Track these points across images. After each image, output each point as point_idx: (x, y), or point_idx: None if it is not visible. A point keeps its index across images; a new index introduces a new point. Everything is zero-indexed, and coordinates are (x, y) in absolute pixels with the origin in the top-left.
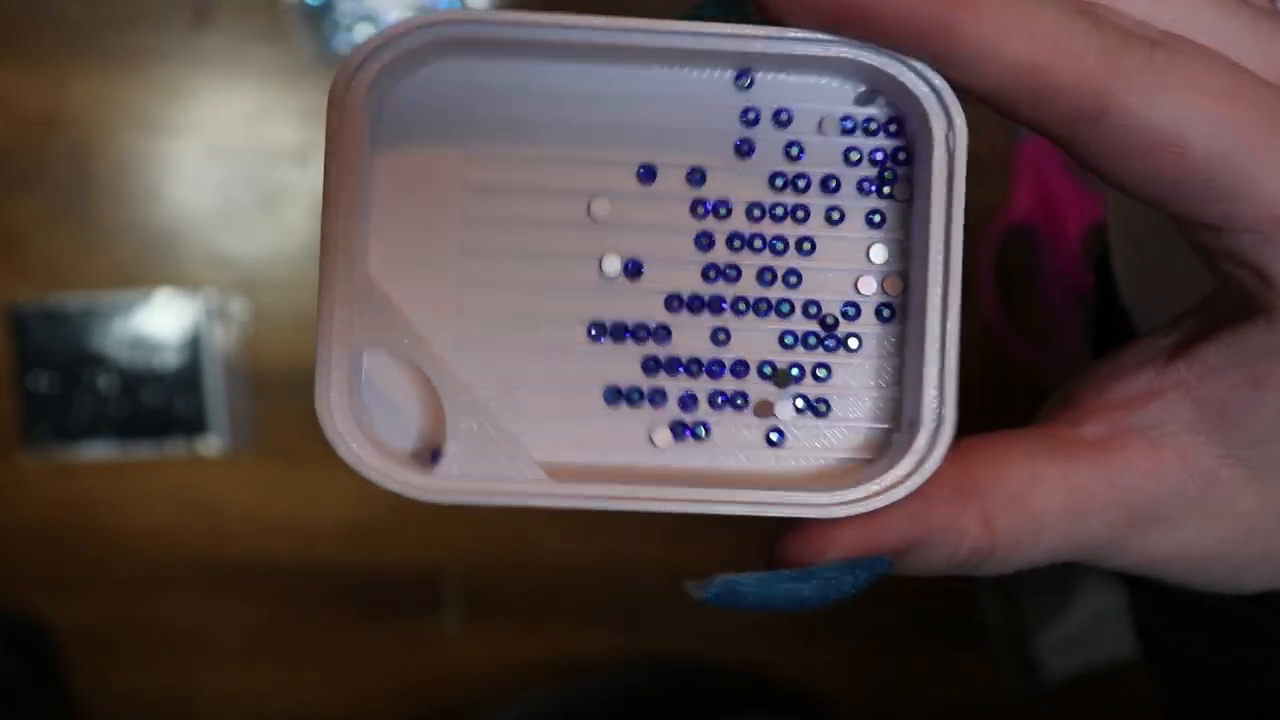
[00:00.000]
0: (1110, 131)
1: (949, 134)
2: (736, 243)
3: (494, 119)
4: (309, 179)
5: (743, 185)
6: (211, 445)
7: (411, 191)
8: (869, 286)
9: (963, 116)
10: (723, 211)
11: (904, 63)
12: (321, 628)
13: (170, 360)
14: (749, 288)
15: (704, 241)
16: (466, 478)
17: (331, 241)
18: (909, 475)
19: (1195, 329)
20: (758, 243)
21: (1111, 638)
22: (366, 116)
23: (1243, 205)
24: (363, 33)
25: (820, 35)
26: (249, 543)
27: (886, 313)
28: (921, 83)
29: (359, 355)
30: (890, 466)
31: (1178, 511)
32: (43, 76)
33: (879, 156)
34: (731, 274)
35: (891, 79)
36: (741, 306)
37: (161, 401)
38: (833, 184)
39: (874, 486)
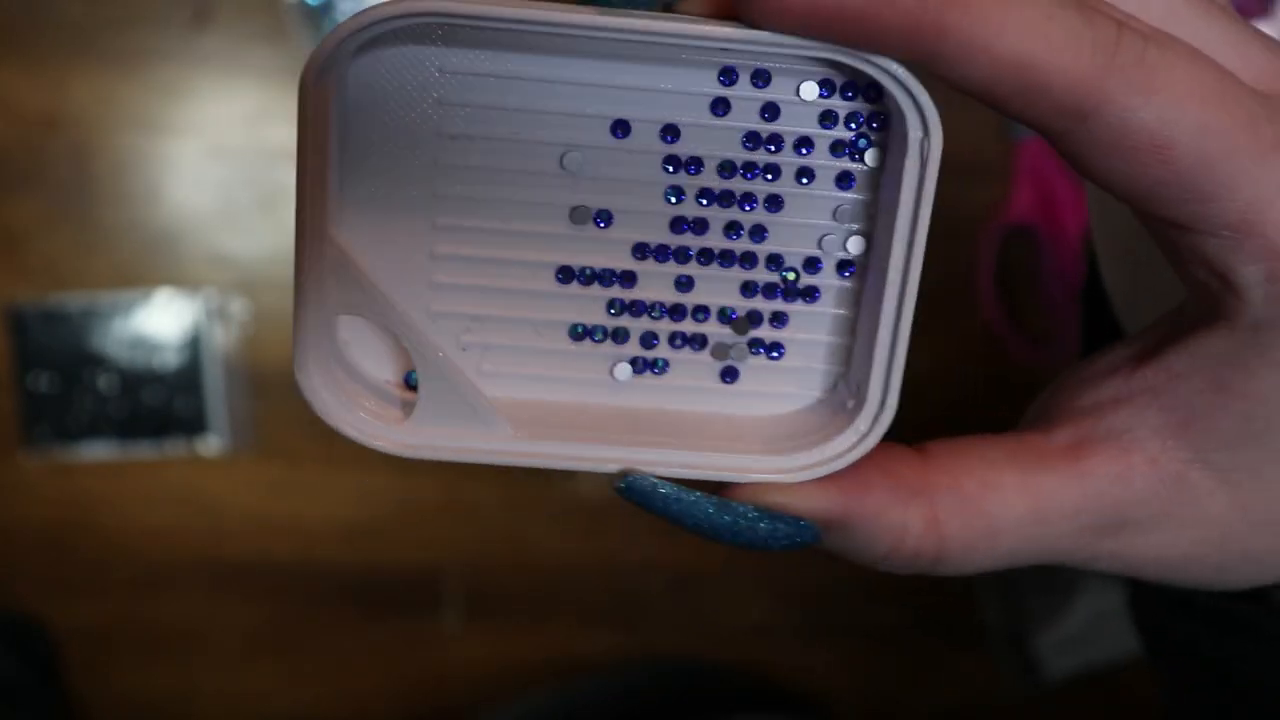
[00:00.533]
0: (1100, 128)
1: (924, 141)
2: (705, 199)
3: (469, 73)
4: None
5: (716, 143)
6: (211, 445)
7: (385, 145)
8: (833, 244)
9: (940, 129)
10: (694, 168)
11: (884, 70)
12: (321, 628)
13: (170, 360)
14: (715, 240)
15: (674, 196)
16: (435, 434)
17: (305, 208)
18: (847, 450)
19: (1163, 336)
20: (727, 198)
21: (1111, 638)
22: (337, 89)
23: (1216, 209)
24: None
25: (803, 42)
26: (249, 543)
27: (848, 269)
28: (901, 91)
29: (333, 321)
30: (831, 438)
31: (1148, 515)
32: (43, 76)
33: (854, 123)
34: (699, 227)
35: (871, 81)
36: (706, 257)
37: (161, 401)
38: (806, 146)
39: (813, 456)
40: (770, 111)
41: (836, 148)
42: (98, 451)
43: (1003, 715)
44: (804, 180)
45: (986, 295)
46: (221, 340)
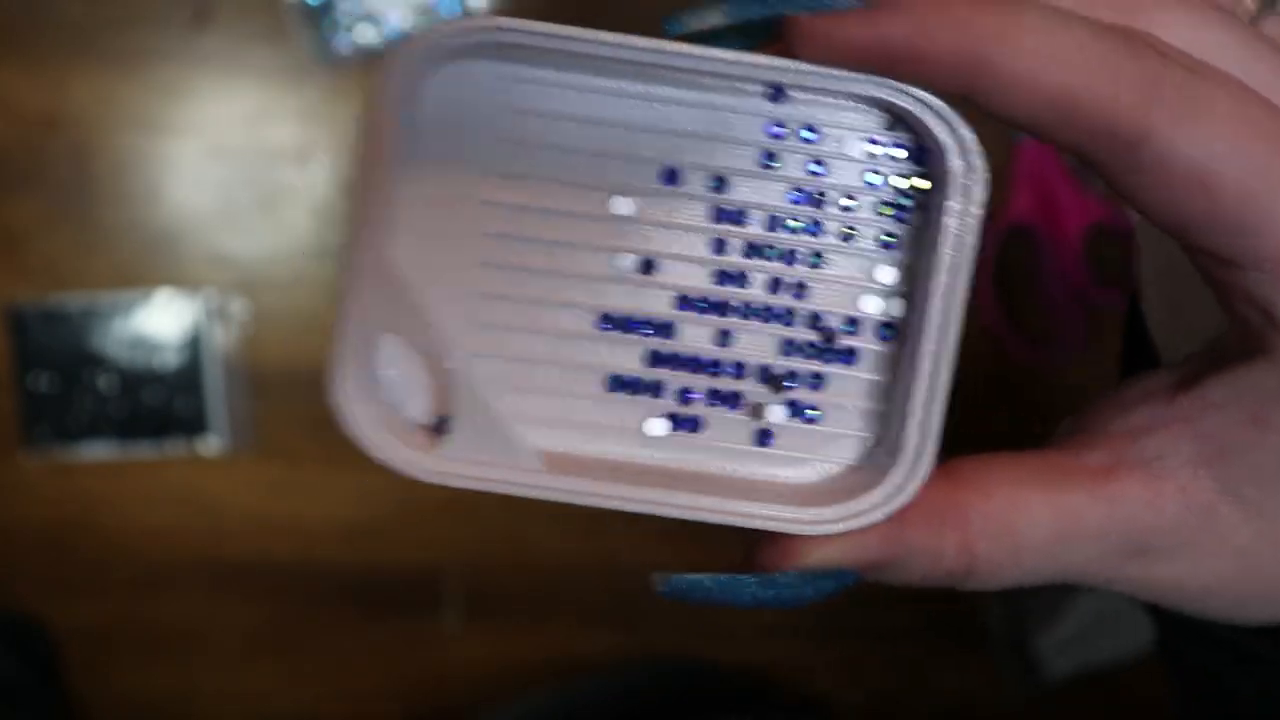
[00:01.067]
0: (1144, 160)
1: (967, 178)
2: (750, 250)
3: (525, 113)
4: (309, 179)
5: (763, 195)
6: (211, 445)
7: (438, 177)
8: (873, 305)
9: (986, 172)
10: (740, 219)
11: (931, 109)
12: (321, 628)
13: (170, 360)
14: (757, 294)
15: (718, 246)
16: (468, 463)
17: (358, 225)
18: (884, 502)
19: (1203, 366)
20: (770, 252)
21: (1112, 638)
22: (402, 107)
23: (1258, 243)
24: (363, 33)
25: (853, 75)
26: (249, 543)
27: (887, 332)
28: (947, 132)
29: (374, 338)
30: (867, 490)
31: (1174, 543)
32: (43, 76)
33: (900, 182)
34: (741, 280)
35: (918, 122)
36: (747, 311)
37: (161, 401)
38: (851, 204)
39: (850, 508)
40: (818, 165)
41: (881, 208)
42: (98, 451)
43: (1004, 716)
44: (847, 238)
45: (986, 296)
46: (221, 340)
